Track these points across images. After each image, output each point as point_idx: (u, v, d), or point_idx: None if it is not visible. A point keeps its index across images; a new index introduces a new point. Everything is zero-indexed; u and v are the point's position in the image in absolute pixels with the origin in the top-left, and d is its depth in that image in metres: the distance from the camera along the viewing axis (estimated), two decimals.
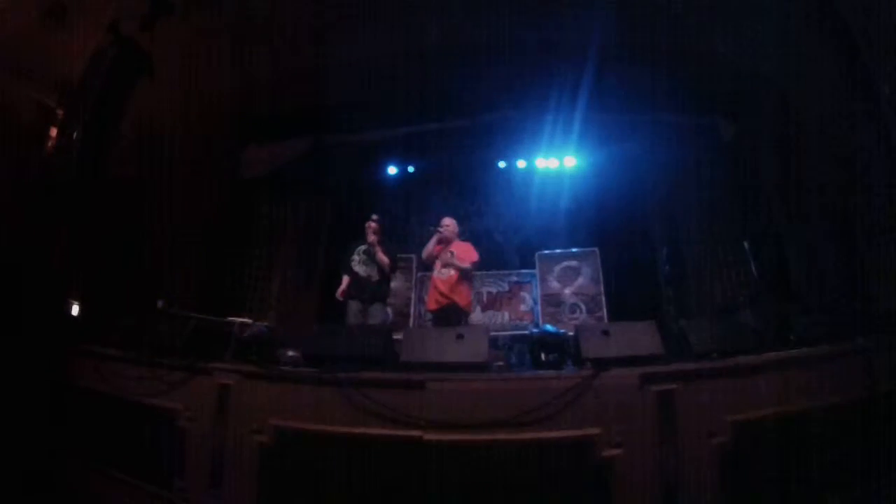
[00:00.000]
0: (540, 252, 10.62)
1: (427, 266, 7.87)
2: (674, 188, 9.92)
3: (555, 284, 10.30)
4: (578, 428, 3.81)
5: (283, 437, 4.17)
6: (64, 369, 4.99)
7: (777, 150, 7.85)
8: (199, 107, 8.30)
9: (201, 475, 4.31)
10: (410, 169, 11.17)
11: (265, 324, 5.73)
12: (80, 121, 5.96)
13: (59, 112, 6.22)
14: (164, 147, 8.16)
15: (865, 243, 6.19)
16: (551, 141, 9.07)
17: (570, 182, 10.78)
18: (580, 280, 10.21)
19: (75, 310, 6.21)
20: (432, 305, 7.21)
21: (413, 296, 10.58)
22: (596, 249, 10.37)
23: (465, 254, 7.23)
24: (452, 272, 7.02)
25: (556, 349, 4.66)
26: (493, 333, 6.98)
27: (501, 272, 10.82)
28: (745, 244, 8.11)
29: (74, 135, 5.91)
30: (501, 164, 10.91)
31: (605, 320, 9.58)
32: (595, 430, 3.78)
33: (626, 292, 9.74)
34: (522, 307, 10.48)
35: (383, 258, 6.95)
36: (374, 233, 7.02)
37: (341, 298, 7.08)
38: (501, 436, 3.80)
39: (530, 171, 10.81)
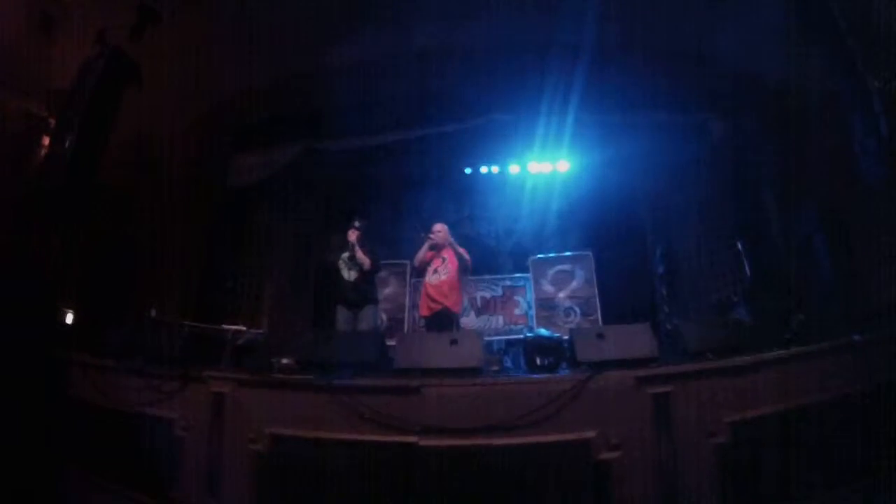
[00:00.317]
0: (533, 256, 10.61)
1: (420, 272, 7.84)
2: (666, 188, 9.94)
3: (549, 288, 10.31)
4: (575, 431, 3.81)
5: (279, 445, 4.15)
6: (58, 379, 4.96)
7: (769, 147, 7.88)
8: (190, 115, 8.30)
9: (197, 484, 4.30)
10: (402, 174, 11.16)
11: (259, 331, 5.71)
12: (71, 129, 5.94)
13: (51, 121, 6.20)
14: (155, 155, 8.15)
15: (859, 239, 6.21)
16: (543, 144, 9.06)
17: (562, 185, 10.79)
18: (574, 283, 10.22)
19: (69, 318, 6.19)
20: (424, 311, 7.22)
21: (407, 301, 10.55)
22: (589, 252, 10.39)
23: (460, 259, 7.21)
24: (444, 277, 7.03)
25: (551, 353, 4.67)
26: (487, 338, 6.98)
27: (495, 277, 10.81)
28: (739, 243, 8.11)
29: (66, 143, 5.88)
30: (494, 169, 10.91)
31: (600, 323, 9.60)
32: (591, 434, 3.78)
33: (620, 294, 9.75)
34: (517, 311, 10.48)
35: (364, 258, 6.89)
36: (355, 234, 6.98)
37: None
38: (497, 440, 3.80)
39: (522, 174, 10.81)
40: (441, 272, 7.06)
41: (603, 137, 9.38)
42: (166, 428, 4.48)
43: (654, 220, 10.27)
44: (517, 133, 9.02)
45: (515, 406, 3.84)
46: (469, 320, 10.15)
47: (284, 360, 4.82)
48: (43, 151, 6.02)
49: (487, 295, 10.65)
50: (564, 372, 4.43)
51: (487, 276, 10.71)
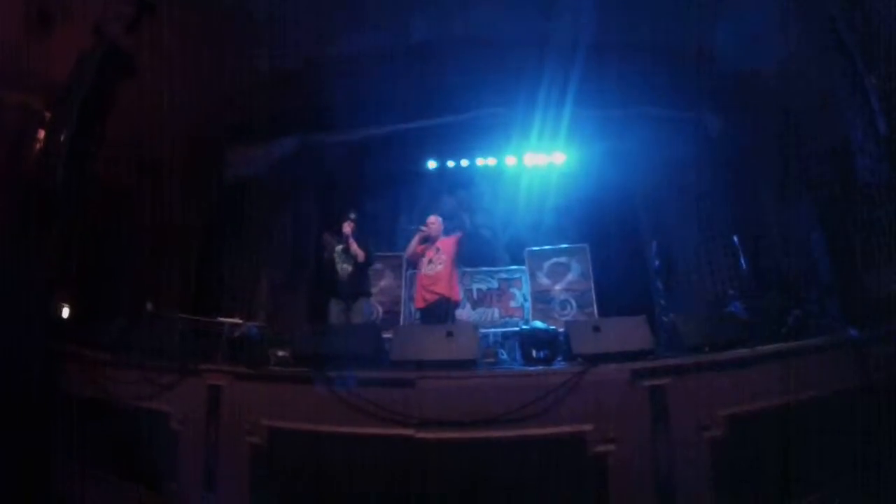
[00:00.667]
0: (529, 248, 10.61)
1: (414, 265, 7.82)
2: (663, 183, 9.94)
3: (545, 281, 10.30)
4: (570, 424, 3.82)
5: (276, 438, 4.16)
6: (54, 373, 4.96)
7: (766, 143, 7.88)
8: (186, 109, 8.27)
9: (194, 477, 4.30)
10: (398, 167, 11.17)
11: (255, 324, 5.70)
12: (67, 123, 5.93)
13: (47, 114, 6.18)
14: (151, 149, 8.13)
15: (856, 234, 6.21)
16: (540, 137, 9.06)
17: (558, 178, 10.78)
18: (570, 276, 10.22)
19: (65, 312, 6.18)
20: (419, 303, 7.18)
21: (403, 294, 10.54)
22: (586, 245, 10.38)
23: (454, 246, 7.20)
24: (439, 268, 7.00)
25: (547, 346, 4.67)
26: (483, 330, 6.97)
27: (491, 269, 10.78)
28: (735, 237, 8.12)
29: (62, 137, 5.87)
30: (490, 161, 10.91)
31: (596, 316, 9.58)
32: (587, 427, 3.79)
33: (616, 287, 9.73)
34: (512, 304, 10.47)
35: (358, 250, 6.89)
36: (350, 226, 6.97)
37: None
38: (494, 433, 3.81)
39: (519, 167, 10.80)
40: (436, 262, 7.03)
41: (600, 131, 9.41)
42: (163, 421, 4.49)
43: (651, 214, 10.26)
44: (514, 126, 9.03)
45: (511, 399, 3.85)
46: (465, 313, 10.14)
47: (281, 353, 4.83)
48: (39, 145, 6.00)
49: (483, 287, 10.63)
50: (560, 365, 4.44)
51: (483, 269, 10.68)
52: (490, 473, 3.77)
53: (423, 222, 7.38)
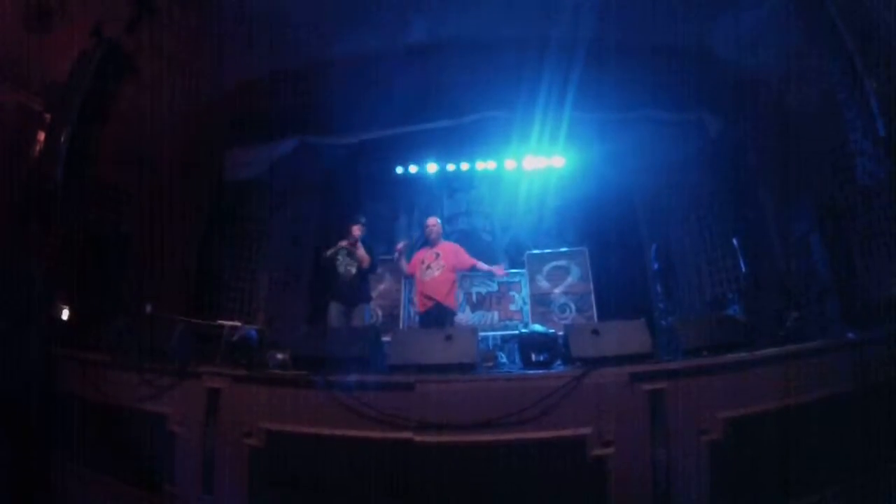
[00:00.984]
0: (529, 252, 10.61)
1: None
2: (662, 185, 9.95)
3: (544, 284, 10.31)
4: (569, 427, 3.81)
5: (274, 440, 4.15)
6: (53, 374, 4.95)
7: (766, 145, 7.89)
8: (185, 110, 8.27)
9: (192, 479, 4.29)
10: (398, 169, 11.20)
11: (254, 327, 5.70)
12: (67, 123, 5.93)
13: (47, 116, 6.18)
14: (150, 150, 8.13)
15: (855, 237, 6.22)
16: (539, 140, 9.06)
17: (558, 181, 10.82)
18: (569, 279, 10.23)
19: (64, 314, 6.17)
20: (420, 308, 7.21)
21: (402, 297, 10.54)
22: (585, 248, 10.40)
23: (456, 256, 7.23)
24: (437, 273, 7.00)
25: (546, 349, 4.68)
26: (482, 334, 6.97)
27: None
28: (734, 240, 8.13)
29: (62, 138, 5.87)
30: (489, 164, 10.94)
31: (595, 319, 9.60)
32: (586, 430, 3.78)
33: (615, 290, 9.74)
34: (512, 307, 10.47)
35: (363, 255, 6.92)
36: (358, 230, 6.98)
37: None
38: (493, 436, 3.80)
39: (519, 170, 10.82)
40: (434, 268, 7.03)
41: (600, 134, 9.44)
42: (161, 423, 4.48)
43: (650, 217, 10.27)
44: (513, 129, 9.03)
45: (510, 402, 3.84)
46: (464, 316, 10.15)
47: (279, 356, 4.82)
48: (38, 146, 6.00)
49: (483, 291, 10.64)
50: (559, 368, 4.44)
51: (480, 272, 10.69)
52: (489, 477, 3.76)
53: (422, 225, 7.40)
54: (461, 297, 9.92)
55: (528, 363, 4.72)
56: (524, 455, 3.77)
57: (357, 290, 7.05)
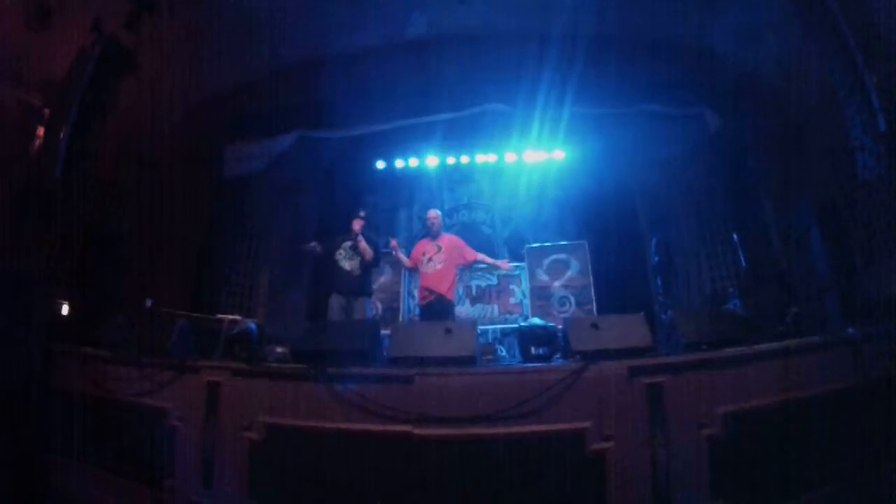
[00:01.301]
0: (529, 245, 10.62)
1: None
2: (662, 179, 9.93)
3: (544, 277, 10.30)
4: (569, 421, 3.82)
5: (274, 434, 4.16)
6: (53, 370, 4.96)
7: (766, 141, 7.88)
8: (186, 105, 8.27)
9: (192, 473, 4.31)
10: (398, 163, 11.19)
11: (254, 321, 5.70)
12: (66, 120, 5.93)
13: (46, 111, 6.18)
14: (150, 145, 8.12)
15: (855, 233, 6.21)
16: (540, 134, 9.06)
17: (558, 175, 10.81)
18: (569, 273, 10.21)
19: (64, 310, 6.18)
20: (420, 301, 7.22)
21: (402, 290, 10.55)
22: (585, 242, 10.37)
23: (458, 250, 7.25)
24: (439, 266, 7.00)
25: (546, 342, 4.68)
26: (482, 327, 6.97)
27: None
28: (734, 235, 8.13)
29: (61, 134, 5.87)
30: (490, 158, 10.94)
31: (595, 312, 9.59)
32: (585, 424, 3.79)
33: (615, 284, 9.73)
34: (512, 300, 10.47)
35: (366, 248, 6.93)
36: (359, 224, 6.98)
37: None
38: (492, 430, 3.81)
39: (519, 163, 10.82)
40: (436, 261, 7.03)
41: (600, 128, 9.43)
42: (161, 418, 4.49)
43: (650, 211, 10.26)
44: (514, 122, 9.03)
45: (510, 395, 3.84)
46: (464, 309, 10.16)
47: (279, 350, 4.83)
48: (38, 143, 6.00)
49: (483, 284, 10.64)
50: (559, 362, 4.44)
51: (483, 265, 10.70)
52: (488, 470, 3.76)
53: (422, 219, 7.41)
54: (461, 290, 9.92)
55: (527, 357, 4.73)
56: (523, 448, 3.77)
57: (359, 283, 7.05)
